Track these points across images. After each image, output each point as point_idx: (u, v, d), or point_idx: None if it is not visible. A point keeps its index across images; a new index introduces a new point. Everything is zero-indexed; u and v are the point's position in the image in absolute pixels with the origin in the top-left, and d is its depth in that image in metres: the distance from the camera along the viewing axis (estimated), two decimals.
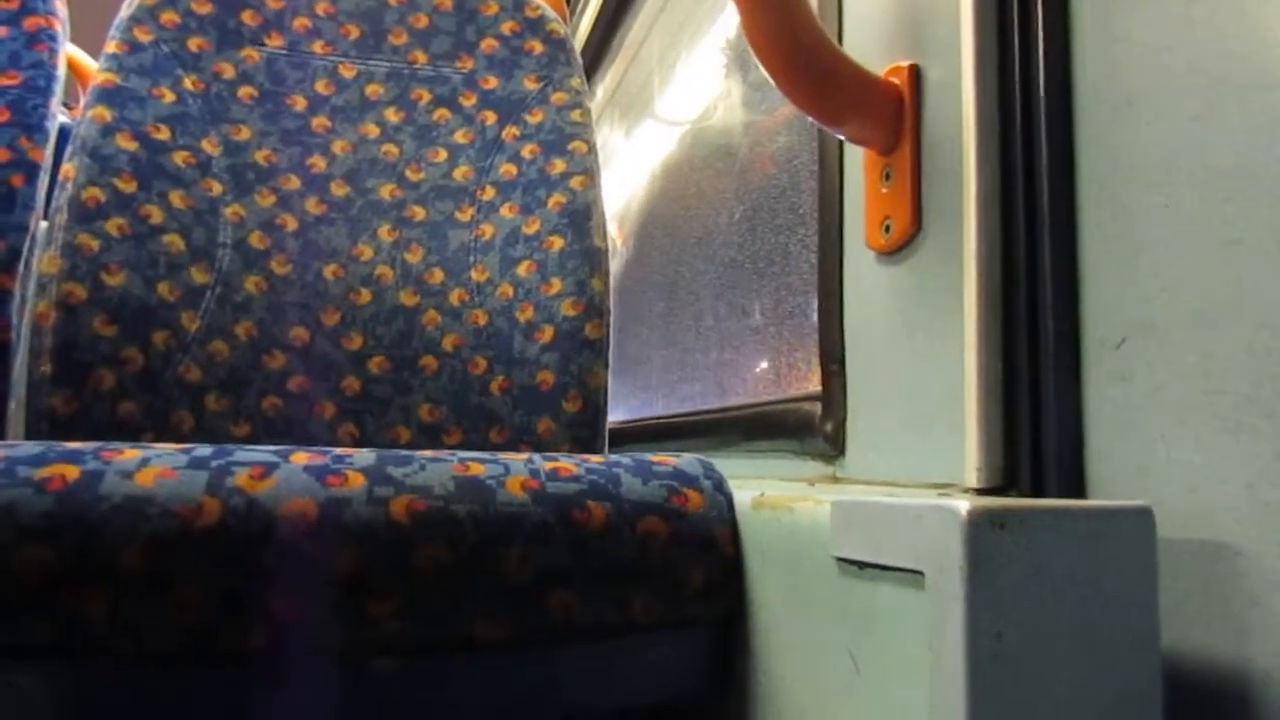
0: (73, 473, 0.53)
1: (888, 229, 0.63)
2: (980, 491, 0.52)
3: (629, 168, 1.74)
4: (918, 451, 0.60)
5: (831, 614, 0.48)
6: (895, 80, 0.63)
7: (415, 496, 0.57)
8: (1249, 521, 0.40)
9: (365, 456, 0.59)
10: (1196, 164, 0.44)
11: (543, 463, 0.62)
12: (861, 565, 0.45)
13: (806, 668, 0.52)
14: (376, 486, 0.57)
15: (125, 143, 0.97)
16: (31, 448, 0.55)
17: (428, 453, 0.61)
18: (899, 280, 0.63)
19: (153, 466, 0.55)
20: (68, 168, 0.94)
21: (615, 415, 1.16)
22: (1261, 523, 0.40)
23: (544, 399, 0.99)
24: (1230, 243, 0.42)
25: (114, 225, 0.93)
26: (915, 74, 0.62)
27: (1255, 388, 0.40)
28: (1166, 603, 0.40)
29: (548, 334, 1.01)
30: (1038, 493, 0.50)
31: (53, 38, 1.02)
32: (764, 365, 1.12)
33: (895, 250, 0.63)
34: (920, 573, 0.40)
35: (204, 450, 0.57)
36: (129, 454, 0.56)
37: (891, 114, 0.62)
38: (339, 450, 0.60)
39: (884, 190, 0.64)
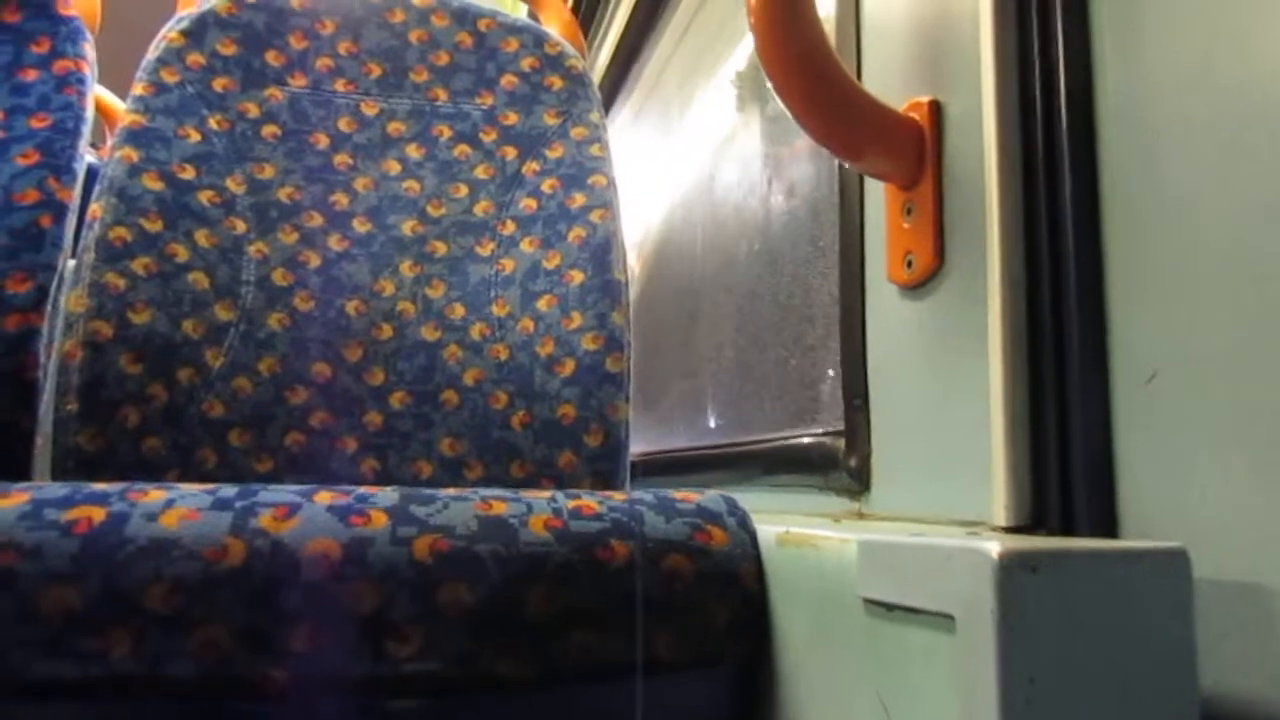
0: (99, 515, 0.54)
1: (910, 264, 0.63)
2: (1009, 530, 0.51)
3: (648, 197, 1.75)
4: (944, 487, 0.60)
5: (859, 655, 0.48)
6: (915, 115, 0.63)
7: (438, 536, 0.57)
8: None
9: (389, 496, 0.59)
10: (1225, 196, 0.44)
11: (565, 501, 0.62)
12: (890, 607, 0.45)
13: (833, 709, 0.51)
14: (400, 526, 0.57)
15: (151, 183, 0.98)
16: (58, 489, 0.56)
17: (450, 491, 0.61)
18: (922, 315, 0.62)
19: (177, 508, 0.55)
20: (95, 208, 0.95)
21: (636, 446, 1.16)
22: None
23: (565, 433, 0.99)
24: (1262, 276, 0.42)
25: (140, 264, 0.94)
26: (935, 109, 0.62)
27: None
28: (1201, 645, 0.40)
29: (569, 368, 1.01)
30: (1068, 531, 0.50)
31: (81, 80, 1.03)
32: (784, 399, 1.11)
33: (918, 285, 0.62)
34: (951, 616, 0.39)
35: (228, 491, 0.58)
36: (154, 495, 0.56)
37: (912, 149, 0.62)
38: (363, 489, 0.60)
39: (906, 225, 0.63)
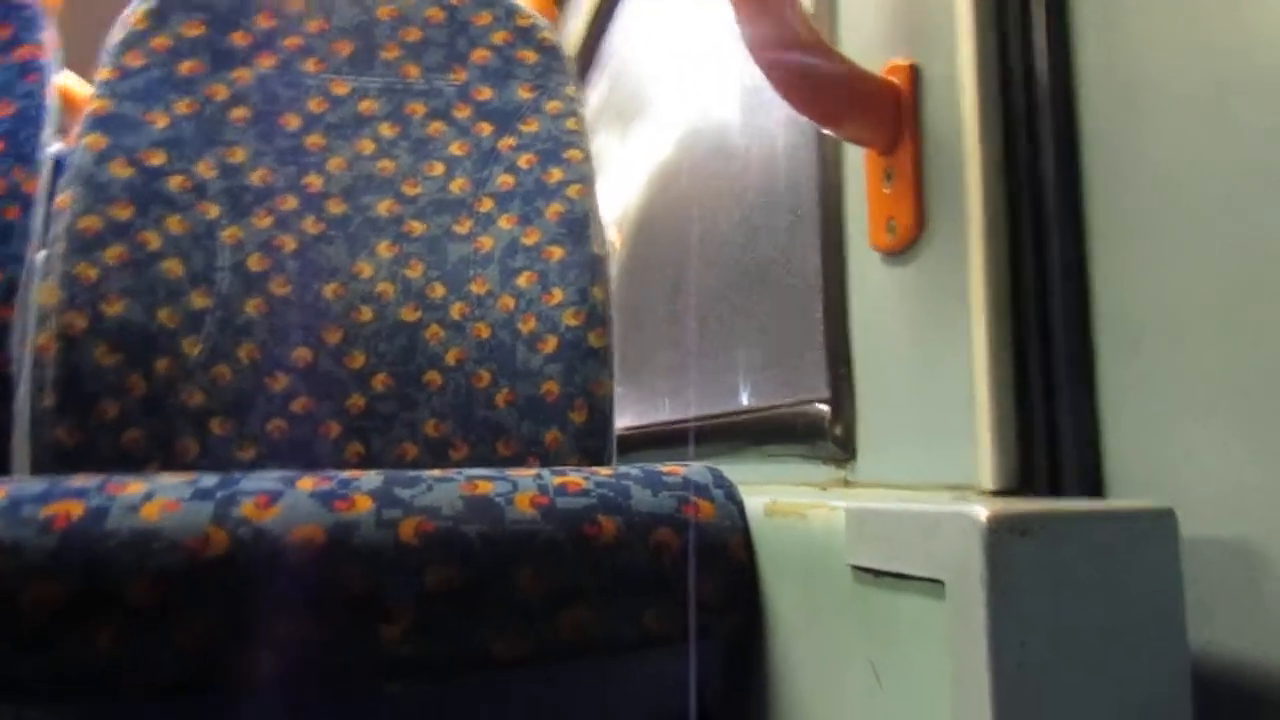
0: (77, 509, 0.53)
1: (892, 229, 0.62)
2: (996, 493, 0.51)
3: (626, 171, 1.74)
4: (930, 453, 0.59)
5: (849, 623, 0.48)
6: (894, 79, 0.62)
7: (424, 518, 0.56)
8: (1272, 520, 0.39)
9: (372, 479, 0.59)
10: (1206, 159, 0.43)
11: (551, 478, 0.61)
12: (878, 574, 0.45)
13: (825, 678, 0.51)
14: (384, 509, 0.56)
15: (120, 170, 0.96)
16: (35, 485, 0.55)
17: (435, 472, 0.60)
18: (905, 281, 0.62)
19: (158, 500, 0.54)
20: (63, 197, 0.93)
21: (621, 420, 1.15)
22: None
23: (550, 410, 0.99)
24: (1247, 236, 0.41)
25: (112, 254, 0.92)
26: (914, 73, 0.61)
27: (1275, 385, 0.39)
28: (1188, 604, 0.40)
29: (551, 344, 1.00)
30: (1055, 493, 0.50)
31: (43, 67, 1.01)
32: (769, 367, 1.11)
33: (901, 251, 0.62)
34: (940, 581, 0.39)
35: (209, 480, 0.57)
36: (133, 487, 0.55)
37: (890, 114, 0.61)
38: (346, 474, 0.60)
39: (886, 190, 0.63)
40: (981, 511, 0.37)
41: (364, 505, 0.56)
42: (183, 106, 1.04)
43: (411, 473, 0.60)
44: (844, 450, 0.69)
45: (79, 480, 0.56)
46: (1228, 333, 0.42)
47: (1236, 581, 0.41)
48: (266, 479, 0.58)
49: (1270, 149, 0.40)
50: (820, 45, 0.61)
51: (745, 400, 1.14)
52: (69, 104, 1.50)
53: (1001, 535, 0.37)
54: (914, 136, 0.60)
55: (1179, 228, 0.44)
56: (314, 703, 0.56)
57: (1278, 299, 0.40)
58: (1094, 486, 0.48)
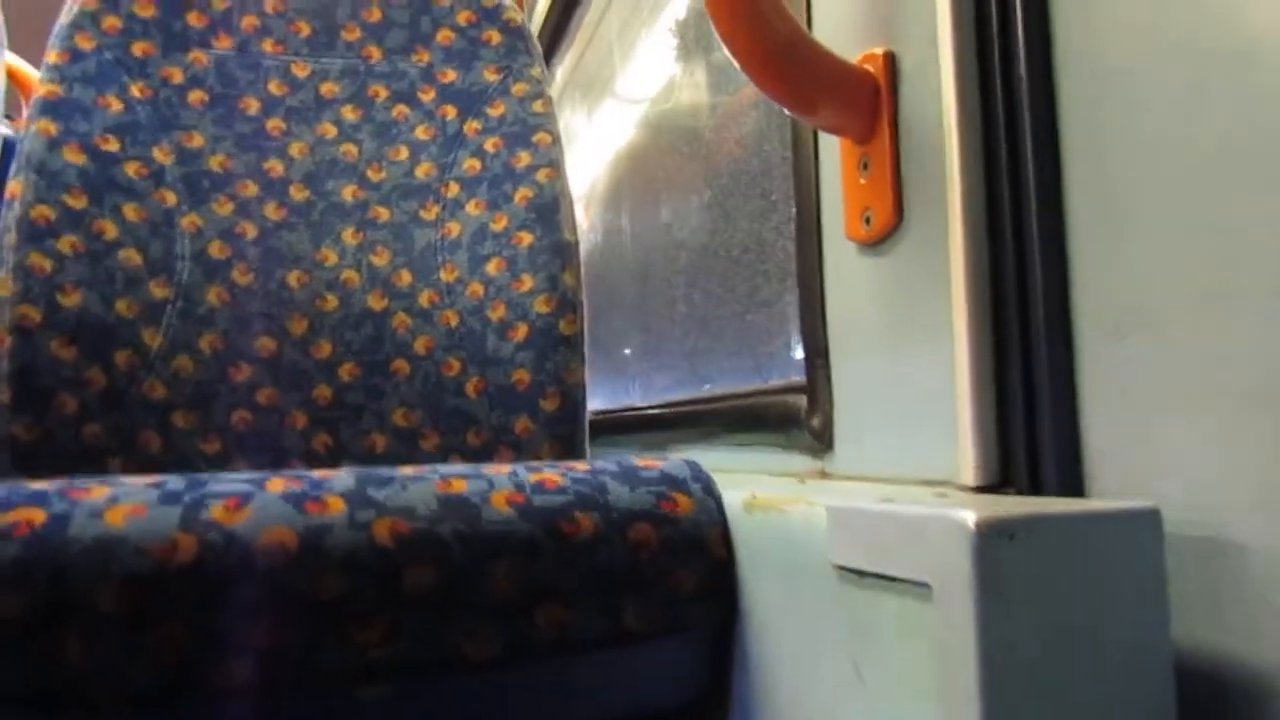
0: (39, 516, 0.51)
1: (868, 220, 0.61)
2: (977, 489, 0.51)
3: (591, 150, 1.72)
4: (908, 446, 0.59)
5: (832, 622, 0.47)
6: (869, 67, 0.61)
7: (398, 519, 0.55)
8: (1257, 517, 0.40)
9: (344, 479, 0.57)
10: (1188, 144, 0.43)
11: (527, 475, 0.60)
12: (863, 574, 0.44)
13: (807, 674, 0.51)
14: (358, 511, 0.55)
15: (73, 156, 0.93)
16: None
17: (409, 470, 0.59)
18: (883, 271, 0.62)
19: (122, 505, 0.52)
20: (14, 185, 0.90)
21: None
22: (1270, 518, 0.39)
23: (521, 398, 0.98)
24: (1226, 225, 0.41)
25: (66, 243, 0.90)
26: (890, 60, 0.60)
27: (1260, 377, 0.40)
28: (1171, 601, 0.40)
29: (521, 332, 0.99)
30: (1035, 489, 0.50)
31: None
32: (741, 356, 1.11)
33: (877, 241, 0.61)
34: (926, 584, 0.39)
35: (176, 483, 0.55)
36: (96, 491, 0.54)
37: (866, 102, 0.60)
38: (317, 474, 0.58)
39: (862, 180, 0.62)
40: (969, 515, 0.37)
41: (337, 507, 0.55)
42: (137, 90, 1.01)
43: (385, 471, 0.59)
44: (821, 441, 0.69)
45: (39, 485, 0.54)
46: (1209, 326, 0.42)
47: (1216, 579, 0.41)
48: (235, 480, 0.56)
49: (1251, 129, 0.40)
50: (796, 31, 0.60)
51: (715, 388, 1.14)
52: (18, 86, 1.46)
53: (989, 539, 0.36)
54: (891, 126, 0.60)
55: (1162, 217, 0.44)
56: (289, 709, 0.55)
57: (1260, 293, 0.40)
58: (1073, 481, 0.48)
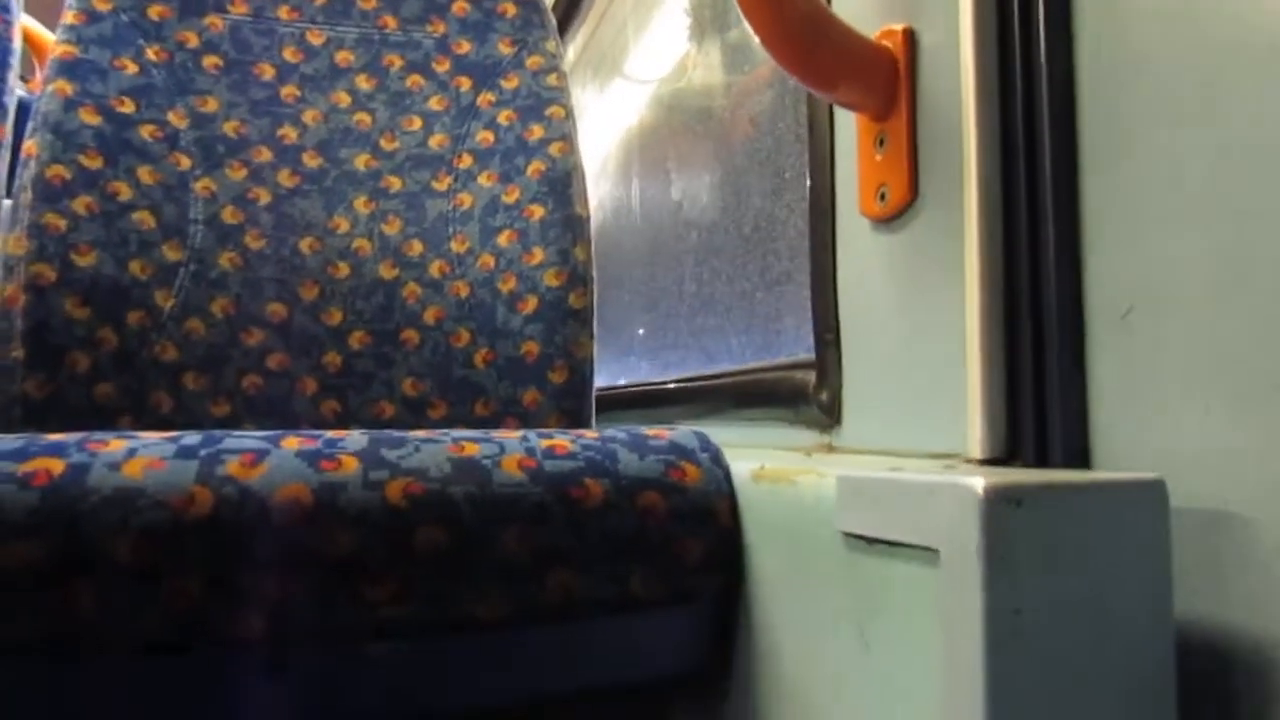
0: (58, 466, 0.52)
1: (883, 197, 0.62)
2: (984, 462, 0.52)
3: (603, 126, 1.72)
4: (916, 421, 0.60)
5: (838, 589, 0.48)
6: (888, 44, 0.61)
7: (411, 479, 0.56)
8: (1259, 492, 0.40)
9: (358, 440, 0.58)
10: (1204, 131, 0.44)
11: (538, 440, 0.61)
12: (870, 540, 0.45)
13: (812, 642, 0.52)
14: (371, 470, 0.56)
15: (89, 117, 0.94)
16: (11, 442, 0.54)
17: (421, 433, 0.60)
18: (896, 248, 0.62)
19: (140, 457, 0.53)
20: (30, 145, 0.91)
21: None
22: (1272, 493, 0.40)
23: (529, 370, 0.98)
24: (1240, 212, 0.42)
25: (81, 204, 0.90)
26: (909, 37, 0.61)
27: (1265, 359, 0.40)
28: (1175, 574, 0.40)
29: (531, 304, 1.00)
30: (1042, 464, 0.50)
31: (6, 9, 0.98)
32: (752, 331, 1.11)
33: (892, 218, 0.62)
34: (934, 550, 0.40)
35: (192, 438, 0.56)
36: (115, 444, 0.54)
37: (885, 79, 0.61)
38: (330, 434, 0.59)
39: (878, 157, 0.63)
40: (978, 481, 0.37)
41: (351, 466, 0.56)
42: (152, 53, 1.01)
43: (397, 433, 0.59)
44: (829, 416, 0.69)
45: (57, 437, 0.55)
46: (1218, 306, 0.42)
47: (1220, 552, 0.42)
48: (250, 437, 0.57)
49: (1266, 119, 0.40)
50: (816, 7, 0.60)
51: (724, 363, 1.15)
52: (33, 48, 1.46)
53: (997, 505, 0.37)
54: (909, 103, 0.60)
55: (1174, 199, 0.45)
56: (298, 663, 0.55)
57: (1267, 274, 0.40)
58: (1080, 456, 0.49)
